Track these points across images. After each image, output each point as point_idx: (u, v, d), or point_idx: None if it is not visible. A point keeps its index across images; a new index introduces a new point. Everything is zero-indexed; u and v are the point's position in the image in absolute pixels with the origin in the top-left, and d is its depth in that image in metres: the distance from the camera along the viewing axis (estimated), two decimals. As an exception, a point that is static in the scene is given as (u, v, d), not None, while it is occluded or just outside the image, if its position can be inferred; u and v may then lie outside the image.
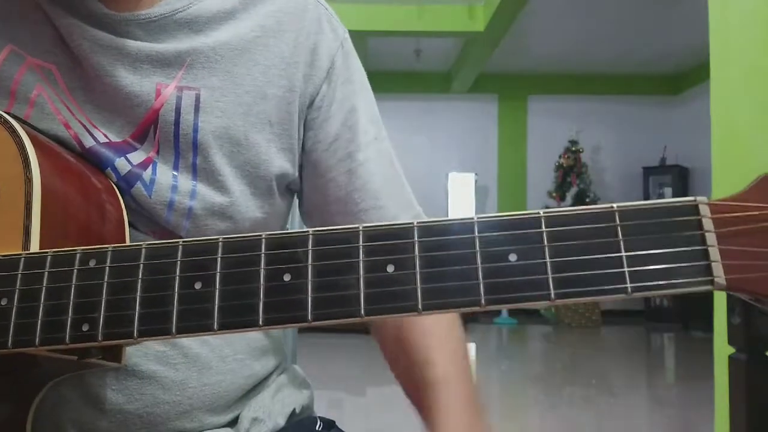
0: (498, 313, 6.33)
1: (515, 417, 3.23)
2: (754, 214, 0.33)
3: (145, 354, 0.53)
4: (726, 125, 1.97)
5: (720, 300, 1.77)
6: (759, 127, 1.81)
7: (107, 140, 0.54)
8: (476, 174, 6.48)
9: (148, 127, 0.55)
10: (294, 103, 0.61)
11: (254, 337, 0.62)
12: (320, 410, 0.71)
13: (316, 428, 0.67)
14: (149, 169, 0.54)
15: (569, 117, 6.59)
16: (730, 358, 1.29)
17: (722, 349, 1.81)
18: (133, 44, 0.55)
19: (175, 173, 0.55)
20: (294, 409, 0.65)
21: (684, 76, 6.52)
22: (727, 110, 1.97)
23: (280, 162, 0.60)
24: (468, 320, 4.72)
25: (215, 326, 0.35)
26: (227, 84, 0.57)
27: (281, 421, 0.62)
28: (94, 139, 0.53)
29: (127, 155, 0.54)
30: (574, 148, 6.37)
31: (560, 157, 6.42)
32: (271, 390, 0.64)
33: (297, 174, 0.64)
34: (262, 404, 0.62)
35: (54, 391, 0.47)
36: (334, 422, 0.69)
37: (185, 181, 0.55)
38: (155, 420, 0.53)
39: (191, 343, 0.56)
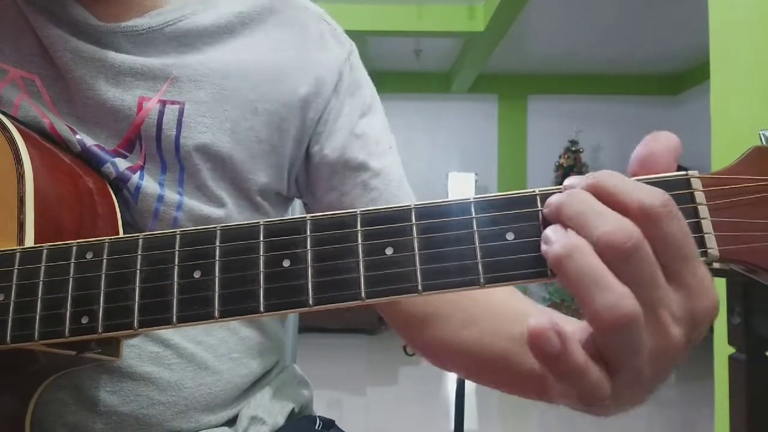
0: (498, 313, 6.32)
1: (515, 416, 3.23)
2: (745, 186, 0.33)
3: (139, 355, 0.52)
4: (726, 125, 1.97)
5: (720, 300, 1.77)
6: (759, 126, 1.81)
7: (95, 143, 0.53)
8: (476, 174, 6.48)
9: (133, 140, 0.54)
10: (288, 118, 0.59)
11: (250, 335, 0.61)
12: (320, 410, 0.71)
13: (316, 427, 0.67)
14: (136, 176, 0.53)
15: (569, 117, 6.58)
16: (730, 358, 1.29)
17: (722, 349, 1.81)
18: (116, 56, 0.53)
19: (162, 184, 0.54)
20: (293, 408, 0.65)
21: (684, 76, 6.52)
22: (727, 110, 1.97)
23: (264, 179, 0.59)
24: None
25: (216, 314, 0.34)
26: (214, 98, 0.56)
27: (281, 420, 0.62)
28: (81, 144, 0.52)
29: (115, 160, 0.53)
30: (574, 148, 6.37)
31: (560, 157, 6.42)
32: (271, 389, 0.64)
33: (285, 187, 0.63)
34: (262, 403, 0.61)
35: (48, 394, 0.47)
36: (333, 421, 0.69)
37: (172, 193, 0.54)
38: (151, 421, 0.53)
39: (186, 342, 0.55)
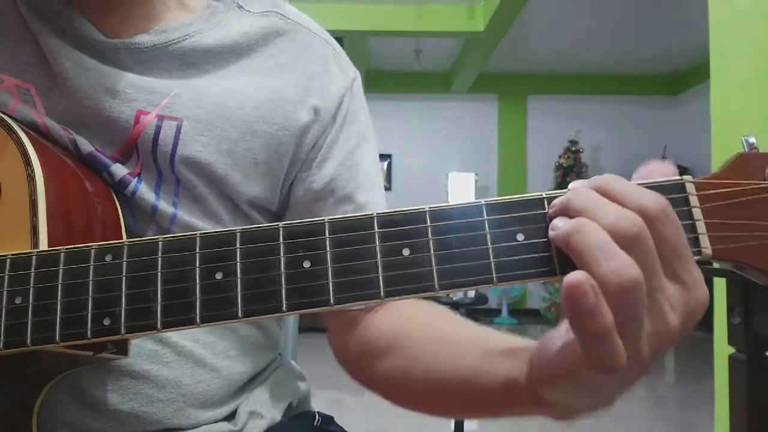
0: (498, 312, 6.33)
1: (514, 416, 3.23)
2: (734, 190, 0.36)
3: (138, 353, 0.53)
4: (726, 125, 1.97)
5: (720, 300, 1.78)
6: (759, 127, 1.81)
7: (94, 148, 0.53)
8: (476, 174, 6.48)
9: (131, 149, 0.54)
10: (287, 142, 0.59)
11: (248, 333, 0.62)
12: (320, 410, 0.71)
13: (315, 423, 0.67)
14: (133, 184, 0.54)
15: (569, 117, 6.59)
16: (730, 358, 1.29)
17: (722, 349, 1.81)
18: (118, 72, 0.53)
19: (158, 194, 0.55)
20: (291, 402, 0.66)
21: (684, 76, 6.52)
22: (727, 110, 1.98)
23: (256, 196, 0.59)
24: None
25: (239, 314, 0.36)
26: (214, 117, 0.55)
27: (278, 415, 0.63)
28: (77, 149, 0.52)
29: (115, 165, 0.53)
30: (574, 148, 6.37)
31: (560, 157, 6.42)
32: (268, 384, 0.64)
33: (276, 207, 0.63)
34: (259, 398, 0.62)
35: (49, 395, 0.47)
36: (332, 418, 0.70)
37: (167, 206, 0.55)
38: (151, 419, 0.53)
39: (184, 341, 0.56)
